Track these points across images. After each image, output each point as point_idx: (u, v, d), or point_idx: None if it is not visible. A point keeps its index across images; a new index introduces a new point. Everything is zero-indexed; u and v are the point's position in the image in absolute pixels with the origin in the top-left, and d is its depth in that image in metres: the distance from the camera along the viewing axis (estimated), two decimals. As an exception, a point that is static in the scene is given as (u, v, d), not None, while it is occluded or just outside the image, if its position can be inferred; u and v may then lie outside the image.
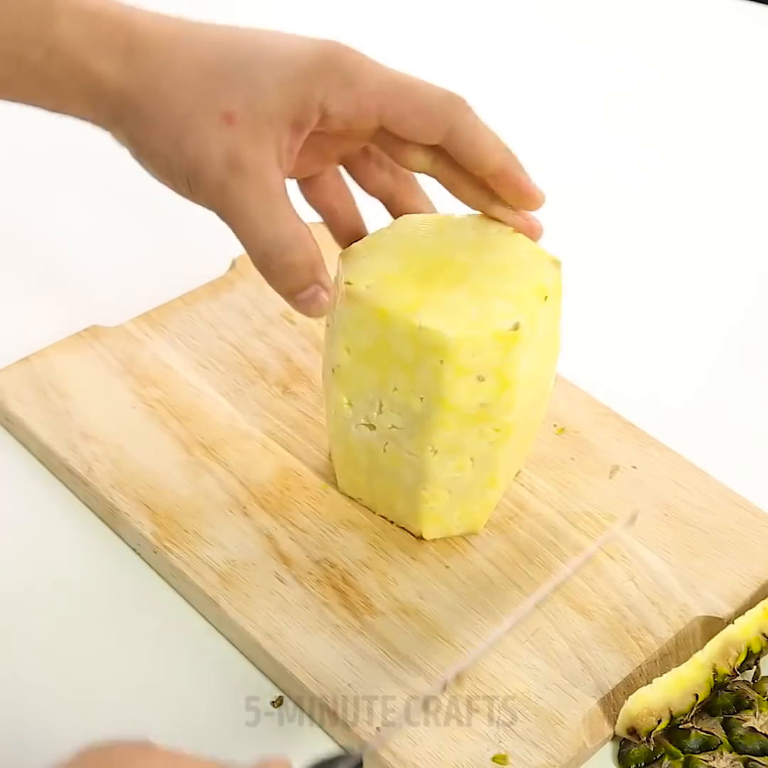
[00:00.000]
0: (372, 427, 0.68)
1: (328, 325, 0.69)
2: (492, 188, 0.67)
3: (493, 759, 0.61)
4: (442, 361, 0.63)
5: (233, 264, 0.88)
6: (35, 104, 0.65)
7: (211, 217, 0.64)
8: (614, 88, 1.17)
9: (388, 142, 0.66)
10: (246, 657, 0.67)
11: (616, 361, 0.88)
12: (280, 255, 0.63)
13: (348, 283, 0.65)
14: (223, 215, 0.64)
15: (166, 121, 0.63)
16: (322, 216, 0.72)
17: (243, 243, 0.64)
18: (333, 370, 0.67)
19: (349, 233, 0.71)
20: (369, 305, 0.64)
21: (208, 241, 0.84)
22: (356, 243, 0.68)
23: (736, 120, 1.14)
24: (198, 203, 0.65)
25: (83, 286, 0.89)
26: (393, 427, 0.67)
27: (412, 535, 0.71)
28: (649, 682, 0.64)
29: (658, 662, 0.66)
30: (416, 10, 1.26)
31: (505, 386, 0.65)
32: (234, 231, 0.64)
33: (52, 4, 0.63)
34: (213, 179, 0.62)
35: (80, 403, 0.78)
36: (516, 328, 0.63)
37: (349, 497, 0.73)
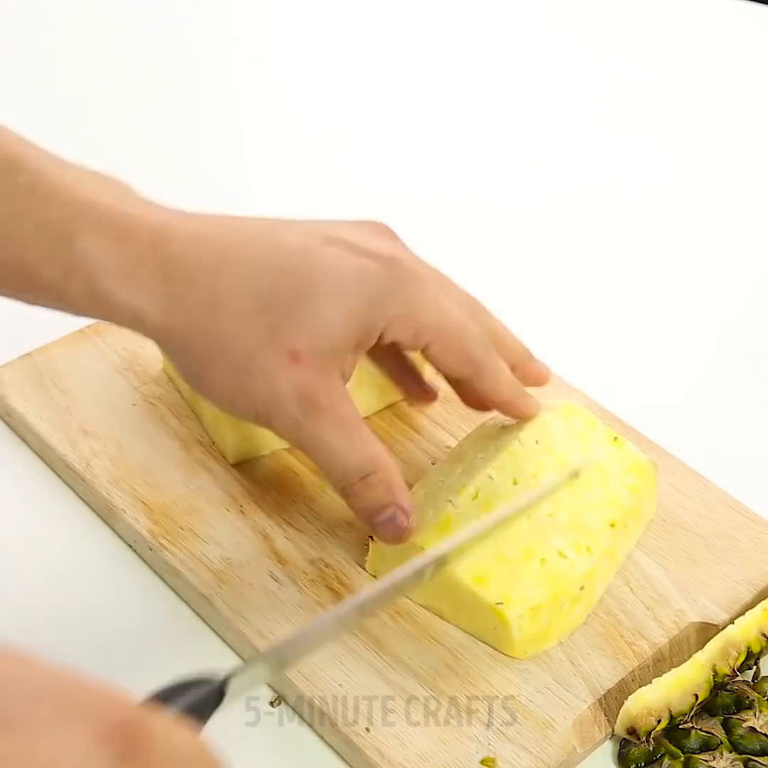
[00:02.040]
0: None
1: None
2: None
3: (482, 762, 0.61)
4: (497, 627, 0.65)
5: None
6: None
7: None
8: (614, 90, 1.17)
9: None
10: (240, 656, 0.67)
11: (617, 365, 0.87)
12: (360, 478, 0.63)
13: None
14: (301, 448, 0.63)
15: (225, 360, 0.60)
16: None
17: (323, 471, 0.64)
18: None
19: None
20: None
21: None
22: None
23: (736, 121, 1.14)
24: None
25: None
26: None
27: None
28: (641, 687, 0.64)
29: (651, 668, 0.66)
30: (415, 12, 1.26)
31: None
32: (313, 460, 0.63)
33: (73, 218, 0.58)
34: (287, 420, 0.61)
35: (81, 399, 0.78)
36: (582, 588, 0.65)
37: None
